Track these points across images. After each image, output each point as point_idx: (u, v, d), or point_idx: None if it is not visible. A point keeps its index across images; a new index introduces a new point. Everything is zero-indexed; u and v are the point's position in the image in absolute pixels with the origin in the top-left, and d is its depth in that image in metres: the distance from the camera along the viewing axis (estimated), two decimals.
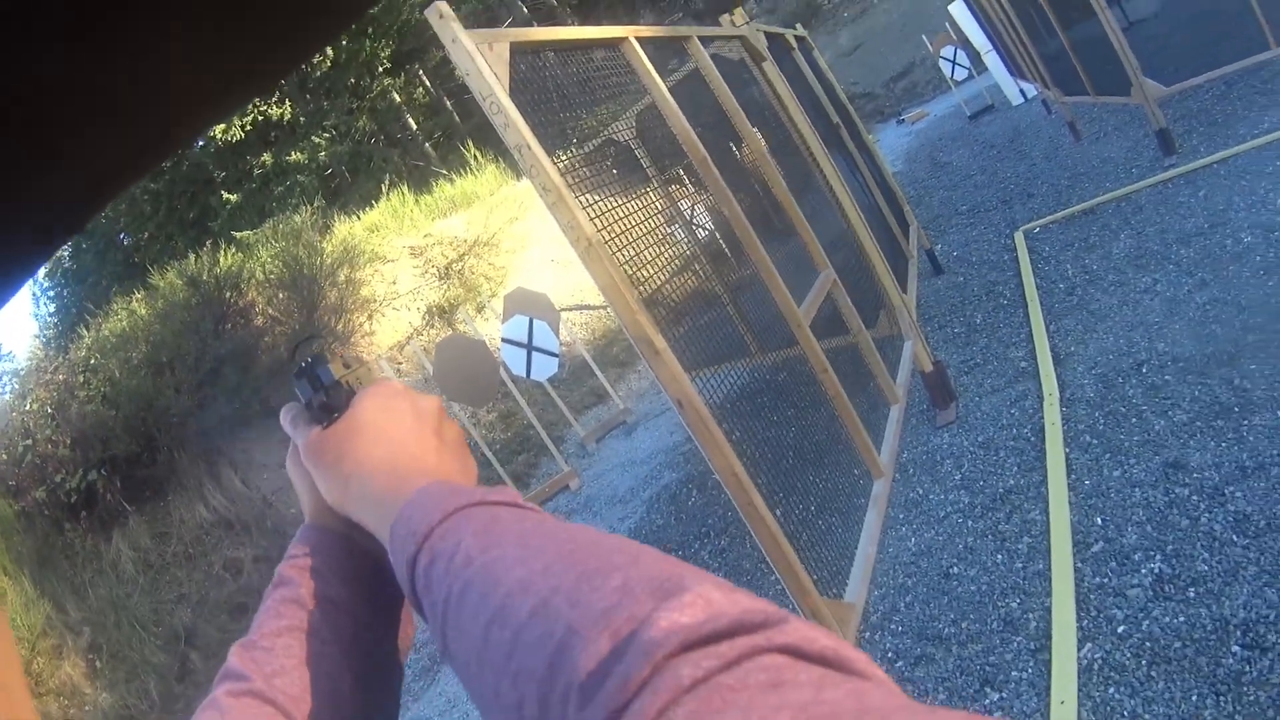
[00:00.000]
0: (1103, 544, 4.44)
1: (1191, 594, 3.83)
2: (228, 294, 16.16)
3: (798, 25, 11.46)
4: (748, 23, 6.83)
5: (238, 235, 21.43)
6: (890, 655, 4.60)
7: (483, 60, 3.28)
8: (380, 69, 35.97)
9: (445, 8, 3.27)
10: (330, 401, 1.05)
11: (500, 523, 0.76)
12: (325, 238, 18.08)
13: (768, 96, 7.09)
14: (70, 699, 11.67)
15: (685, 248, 6.60)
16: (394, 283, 17.19)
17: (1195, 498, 4.36)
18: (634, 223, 4.28)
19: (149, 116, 0.50)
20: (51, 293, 36.38)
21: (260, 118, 33.01)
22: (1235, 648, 3.45)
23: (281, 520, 13.55)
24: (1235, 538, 3.98)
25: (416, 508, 0.83)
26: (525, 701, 0.57)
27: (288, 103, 33.79)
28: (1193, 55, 9.77)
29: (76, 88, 0.43)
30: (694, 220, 6.93)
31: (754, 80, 7.02)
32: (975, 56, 19.17)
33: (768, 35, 7.37)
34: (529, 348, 10.72)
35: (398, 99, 36.82)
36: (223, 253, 17.59)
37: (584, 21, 33.86)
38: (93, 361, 15.62)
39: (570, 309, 16.11)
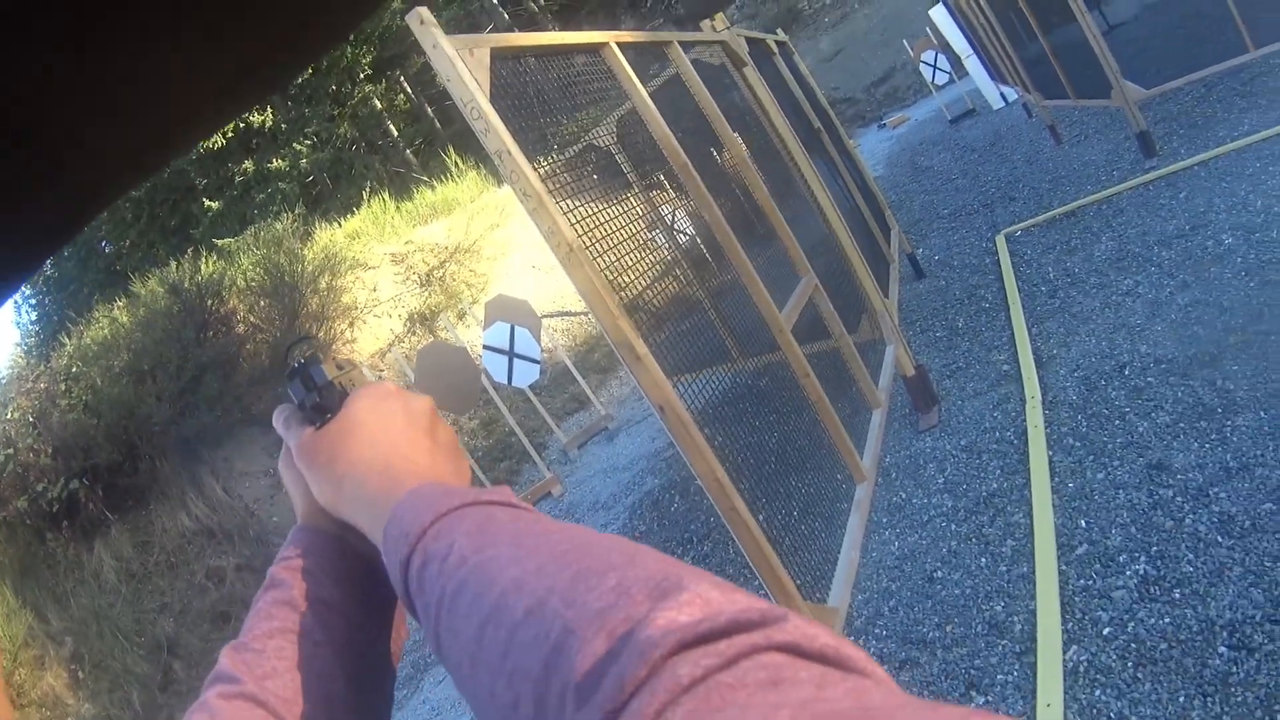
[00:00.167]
0: (1087, 546, 4.44)
1: (1177, 595, 3.83)
2: (209, 302, 16.11)
3: (779, 30, 11.50)
4: (729, 28, 6.84)
5: (219, 242, 21.38)
6: (875, 659, 4.59)
7: (464, 66, 3.26)
8: (361, 75, 36.02)
9: (426, 13, 3.26)
10: (323, 402, 1.05)
11: (494, 522, 0.76)
12: (306, 245, 18.08)
13: (749, 101, 7.09)
14: (53, 710, 11.61)
15: (667, 253, 6.59)
16: (375, 290, 17.17)
17: (1179, 499, 4.37)
18: (615, 228, 4.27)
19: (150, 119, 0.49)
20: (33, 301, 36.33)
21: (241, 125, 32.96)
22: (1222, 649, 3.45)
23: (264, 529, 13.51)
24: (1220, 538, 3.99)
25: (409, 509, 0.82)
26: (521, 702, 0.56)
27: (269, 110, 33.77)
28: (1172, 58, 9.81)
29: (77, 90, 0.42)
30: (675, 225, 6.92)
31: (735, 85, 7.01)
32: (956, 61, 19.22)
33: (749, 40, 7.38)
34: (510, 354, 10.72)
35: (379, 106, 36.87)
36: (204, 260, 17.57)
37: (565, 27, 33.83)
38: (74, 370, 15.56)
39: (551, 315, 16.09)
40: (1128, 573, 4.12)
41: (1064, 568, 4.40)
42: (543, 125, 4.24)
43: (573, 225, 3.61)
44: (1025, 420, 5.87)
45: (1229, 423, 4.67)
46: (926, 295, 9.37)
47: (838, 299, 6.40)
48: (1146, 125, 9.46)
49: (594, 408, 12.64)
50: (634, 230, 4.66)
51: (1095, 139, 11.52)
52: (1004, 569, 4.66)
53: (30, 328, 35.14)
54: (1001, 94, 17.93)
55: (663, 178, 6.24)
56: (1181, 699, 3.35)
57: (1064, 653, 3.91)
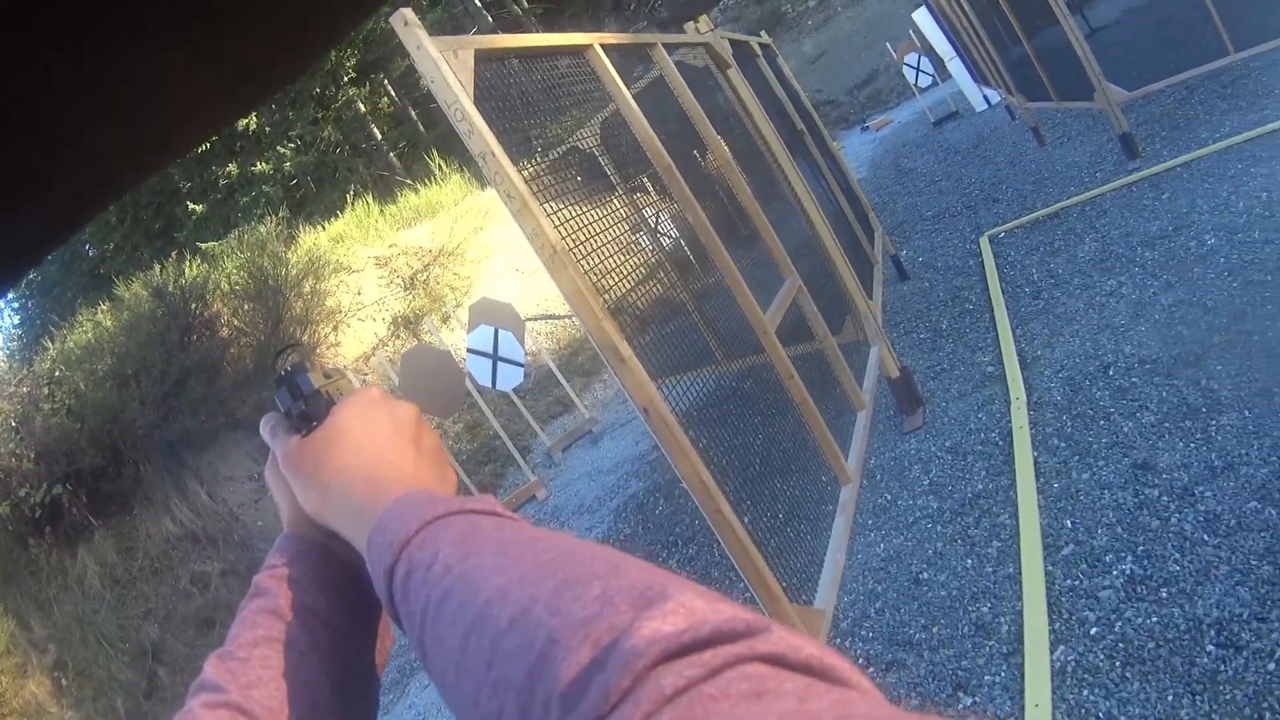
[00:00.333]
0: (1073, 547, 4.45)
1: (1164, 594, 3.84)
2: (193, 305, 16.05)
3: (762, 33, 11.53)
4: (712, 30, 6.84)
5: (203, 246, 21.31)
6: (861, 661, 4.60)
7: (448, 67, 3.25)
8: (345, 78, 36.02)
9: (410, 15, 3.25)
10: (309, 410, 1.05)
11: (479, 531, 0.75)
12: (290, 248, 18.02)
13: (733, 104, 7.09)
14: (36, 719, 11.55)
15: (650, 255, 6.59)
16: (359, 293, 17.13)
17: (1165, 498, 4.38)
18: (599, 230, 4.26)
19: (150, 119, 0.49)
20: (15, 304, 36.24)
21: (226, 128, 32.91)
22: (1210, 647, 3.46)
23: (249, 534, 13.47)
24: (1206, 537, 3.99)
25: (394, 517, 0.82)
26: (505, 711, 0.56)
27: (253, 113, 33.68)
28: (1154, 61, 9.86)
29: (77, 90, 0.42)
30: (659, 228, 6.92)
31: (719, 87, 7.02)
32: (939, 64, 19.24)
33: (732, 42, 7.38)
34: (494, 358, 10.71)
35: (363, 109, 36.87)
36: (188, 264, 17.50)
37: (549, 30, 33.86)
38: (57, 374, 15.48)
39: (535, 319, 16.09)
40: (1114, 572, 4.13)
41: (1050, 568, 4.41)
42: (526, 128, 4.23)
43: (557, 227, 3.60)
44: (1010, 421, 5.88)
45: (1213, 422, 4.69)
46: (910, 297, 9.39)
47: (822, 301, 6.40)
48: (1129, 127, 9.49)
49: (578, 411, 12.65)
50: (618, 233, 4.66)
51: (1078, 141, 11.55)
52: (990, 570, 4.66)
53: (13, 331, 35.11)
54: (984, 96, 17.96)
55: (647, 180, 6.23)
56: (1170, 697, 3.35)
57: (1051, 653, 3.91)
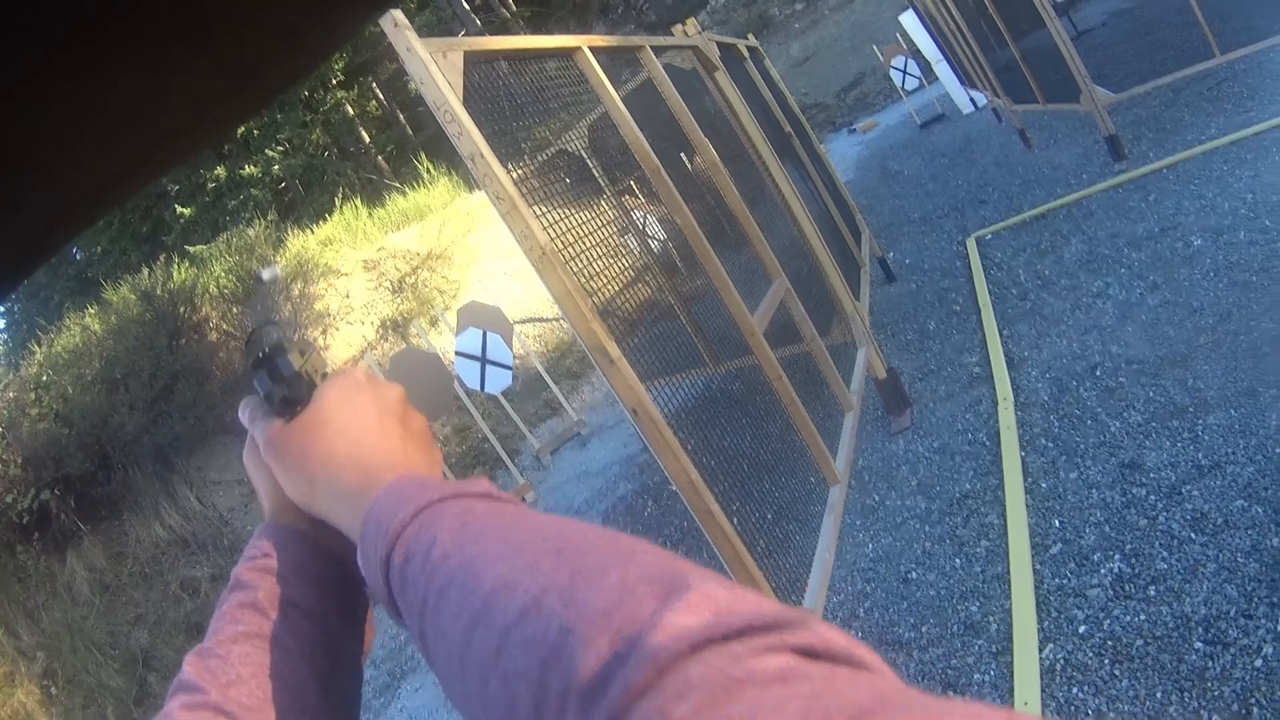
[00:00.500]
0: (1061, 546, 4.46)
1: (1152, 592, 3.86)
2: (182, 309, 16.03)
3: (750, 36, 11.53)
4: (700, 33, 6.85)
5: (191, 249, 21.26)
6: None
7: (437, 69, 3.25)
8: (334, 81, 35.90)
9: (400, 16, 3.25)
10: (292, 395, 1.02)
11: (477, 516, 0.74)
12: (279, 252, 17.99)
13: (720, 106, 7.10)
14: None
15: (639, 257, 6.59)
16: (348, 296, 17.09)
17: (1153, 497, 4.39)
18: (588, 232, 4.26)
19: (140, 130, 0.49)
20: (2, 309, 36.04)
21: None
22: (1198, 644, 3.47)
23: (238, 538, 13.42)
24: (1194, 535, 4.01)
25: (386, 504, 0.81)
26: (518, 702, 0.55)
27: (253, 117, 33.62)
28: (1140, 63, 9.90)
29: (68, 98, 0.42)
30: (647, 230, 6.92)
31: (706, 90, 7.02)
32: (926, 66, 19.23)
33: (720, 45, 7.39)
34: (483, 361, 10.70)
35: (351, 112, 36.77)
36: (176, 267, 17.48)
37: (536, 33, 33.83)
38: (45, 378, 15.46)
39: (523, 321, 16.06)
40: (1102, 571, 4.14)
41: (1039, 567, 4.42)
42: (515, 130, 4.23)
43: (546, 229, 3.60)
44: (998, 421, 5.89)
45: (1200, 422, 4.71)
46: (897, 299, 9.40)
47: (809, 303, 6.40)
48: (1115, 129, 9.51)
49: (567, 414, 12.63)
50: (607, 235, 4.66)
51: (1065, 143, 11.57)
52: (979, 569, 4.67)
53: None
54: (971, 99, 17.94)
55: (634, 183, 6.24)
56: (1159, 694, 3.36)
57: (1040, 651, 3.92)
